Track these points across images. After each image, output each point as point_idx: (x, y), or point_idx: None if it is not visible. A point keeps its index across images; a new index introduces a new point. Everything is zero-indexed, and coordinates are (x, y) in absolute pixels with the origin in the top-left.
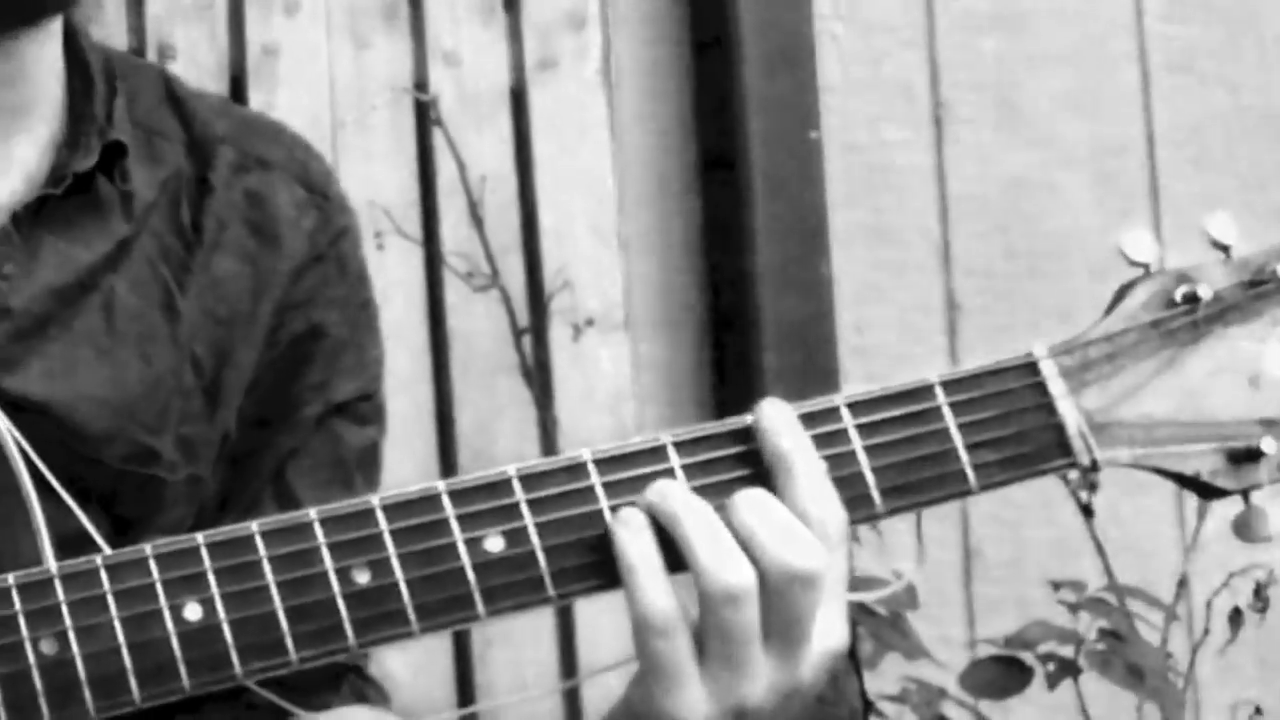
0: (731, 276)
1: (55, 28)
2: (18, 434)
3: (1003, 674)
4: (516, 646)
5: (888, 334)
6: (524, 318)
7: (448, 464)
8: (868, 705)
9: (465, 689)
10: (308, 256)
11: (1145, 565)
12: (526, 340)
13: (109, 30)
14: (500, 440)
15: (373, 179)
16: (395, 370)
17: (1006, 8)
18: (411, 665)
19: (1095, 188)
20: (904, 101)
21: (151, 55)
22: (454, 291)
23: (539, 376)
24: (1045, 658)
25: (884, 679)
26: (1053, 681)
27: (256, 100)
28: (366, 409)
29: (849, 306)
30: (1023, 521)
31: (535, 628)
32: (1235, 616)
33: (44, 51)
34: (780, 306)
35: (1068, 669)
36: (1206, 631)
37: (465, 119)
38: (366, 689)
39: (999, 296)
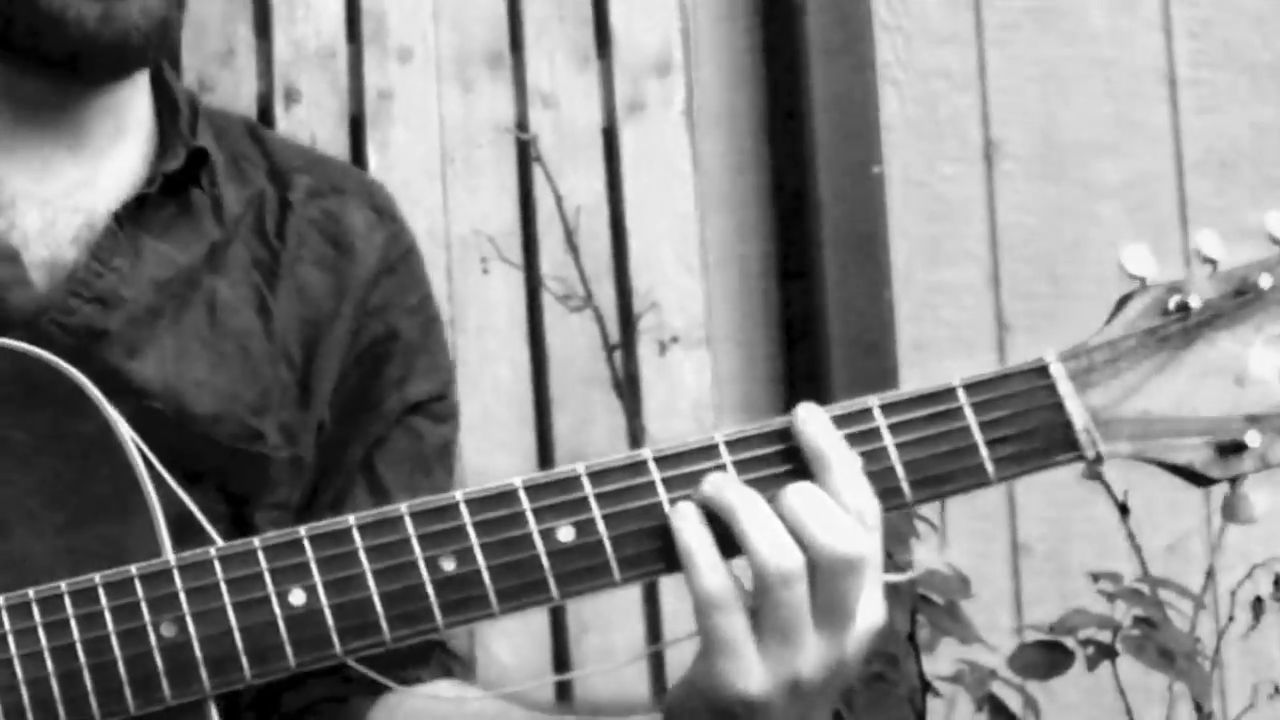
0: (802, 298)
1: (144, 77)
2: (131, 431)
3: (1047, 657)
4: (606, 630)
5: (943, 350)
6: (615, 335)
7: (546, 466)
8: (926, 685)
9: (561, 669)
10: (381, 267)
11: (1175, 559)
12: (617, 355)
13: (240, 76)
14: (593, 445)
15: (478, 210)
16: (499, 382)
17: (1049, 55)
18: (514, 650)
19: (1129, 217)
20: (957, 140)
21: (279, 99)
22: (552, 312)
23: (628, 388)
24: (1085, 642)
25: (940, 661)
26: (1092, 664)
27: (374, 139)
28: (441, 409)
29: (908, 325)
30: (1065, 520)
31: (625, 610)
32: (1257, 605)
33: (136, 88)
34: (846, 325)
35: (1106, 652)
36: (1231, 618)
37: (562, 156)
38: (452, 663)
39: (1043, 316)
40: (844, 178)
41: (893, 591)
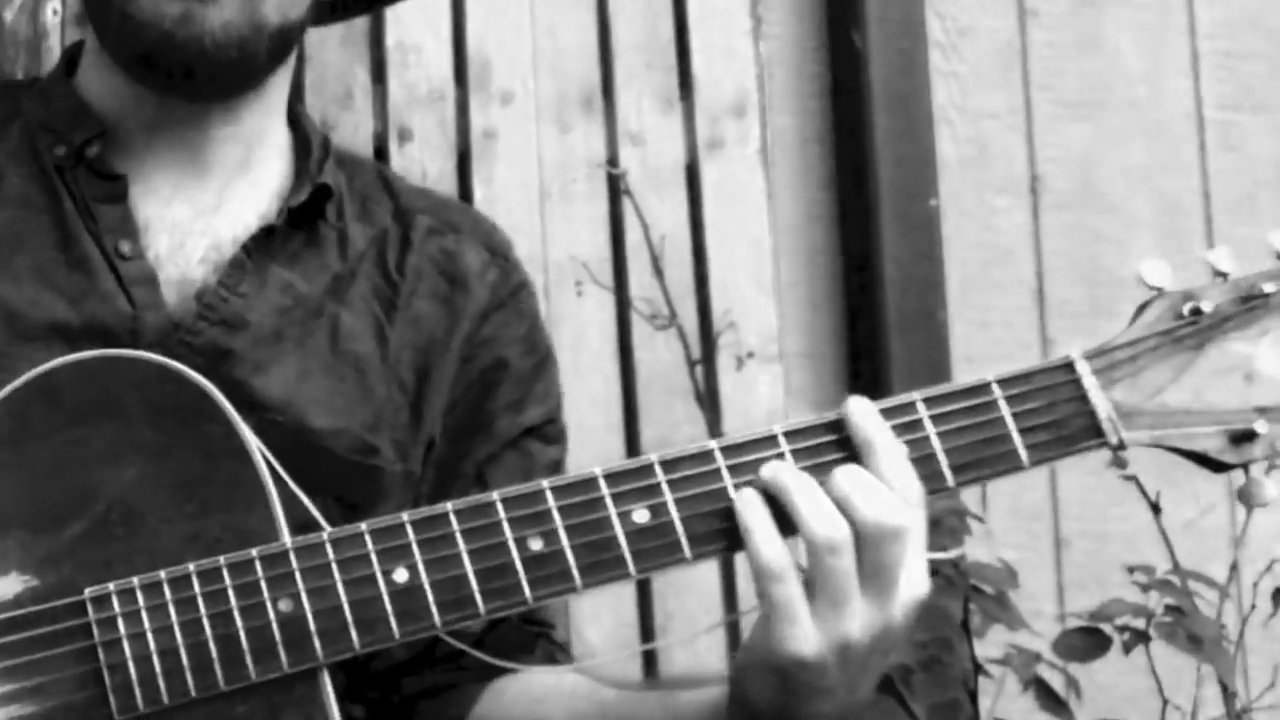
0: (866, 317)
1: (275, 105)
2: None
3: (1087, 642)
4: (690, 618)
5: (992, 364)
6: (696, 351)
7: None
8: (977, 667)
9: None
10: (492, 303)
11: (1203, 554)
12: (698, 370)
13: (358, 117)
14: None
15: (574, 239)
16: (592, 394)
17: (1089, 99)
18: (604, 635)
19: (1161, 244)
20: (1006, 176)
21: (393, 138)
22: (639, 330)
23: (708, 399)
24: (1121, 628)
25: (990, 646)
26: (1128, 648)
27: (479, 174)
28: (551, 431)
29: (961, 343)
30: (1103, 517)
31: (705, 600)
32: (1277, 595)
33: (264, 122)
34: (905, 343)
35: (1140, 638)
36: (1253, 607)
37: (649, 189)
38: (556, 652)
39: (1085, 334)
40: (903, 209)
41: (946, 583)
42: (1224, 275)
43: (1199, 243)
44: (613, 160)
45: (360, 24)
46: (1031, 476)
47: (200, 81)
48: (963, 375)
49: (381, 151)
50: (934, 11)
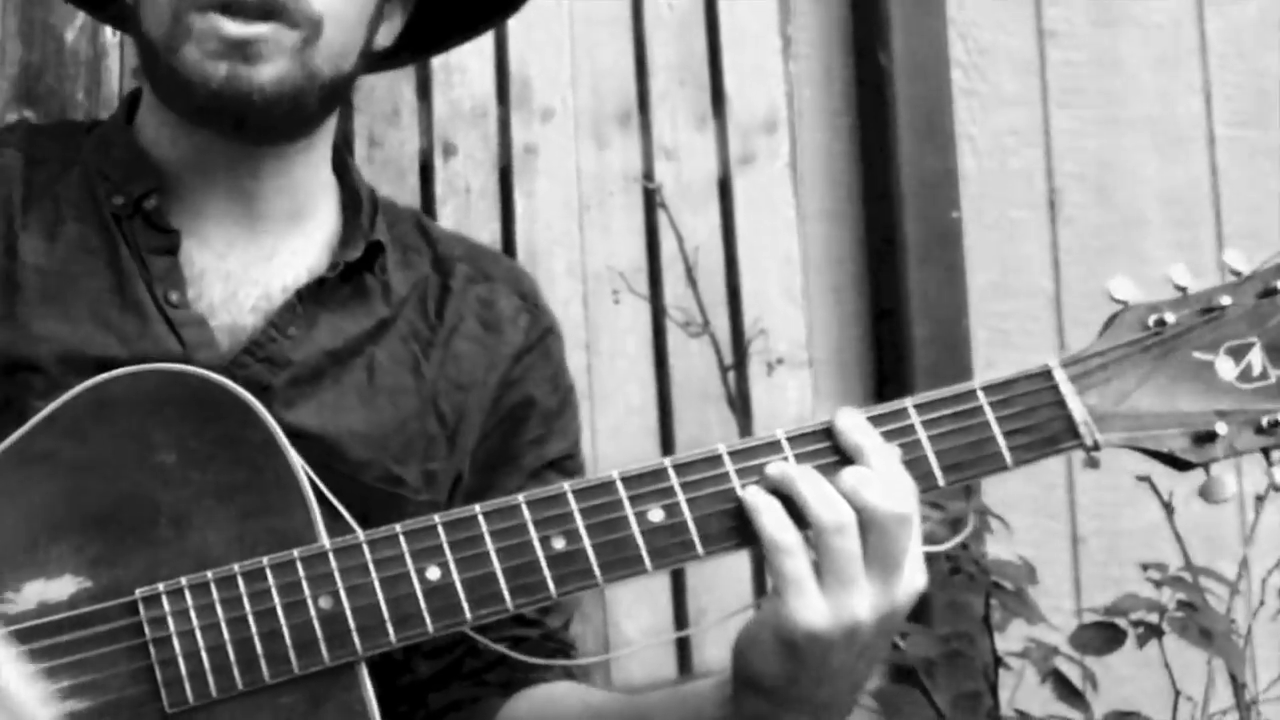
0: (891, 325)
1: (322, 155)
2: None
3: (1103, 636)
4: (723, 609)
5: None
6: (728, 358)
7: None
8: (997, 659)
9: (683, 649)
10: (523, 346)
11: (1214, 551)
12: (730, 375)
13: (404, 134)
14: None
15: (611, 249)
16: (628, 399)
17: (1104, 115)
18: (640, 630)
19: (1174, 253)
20: (1025, 188)
21: (438, 153)
22: (674, 337)
23: (740, 404)
24: (1136, 623)
25: (1010, 639)
26: (1142, 641)
27: (521, 188)
28: (570, 465)
29: (982, 349)
30: (1118, 516)
31: (738, 596)
32: None
33: (313, 173)
34: (928, 349)
35: (1153, 632)
36: (1262, 602)
37: (683, 202)
38: (574, 669)
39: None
40: (927, 221)
41: (969, 579)
42: (1184, 289)
43: (1210, 253)
44: (648, 174)
45: None
46: (1050, 479)
47: (251, 129)
48: (982, 379)
49: (427, 166)
50: (956, 32)
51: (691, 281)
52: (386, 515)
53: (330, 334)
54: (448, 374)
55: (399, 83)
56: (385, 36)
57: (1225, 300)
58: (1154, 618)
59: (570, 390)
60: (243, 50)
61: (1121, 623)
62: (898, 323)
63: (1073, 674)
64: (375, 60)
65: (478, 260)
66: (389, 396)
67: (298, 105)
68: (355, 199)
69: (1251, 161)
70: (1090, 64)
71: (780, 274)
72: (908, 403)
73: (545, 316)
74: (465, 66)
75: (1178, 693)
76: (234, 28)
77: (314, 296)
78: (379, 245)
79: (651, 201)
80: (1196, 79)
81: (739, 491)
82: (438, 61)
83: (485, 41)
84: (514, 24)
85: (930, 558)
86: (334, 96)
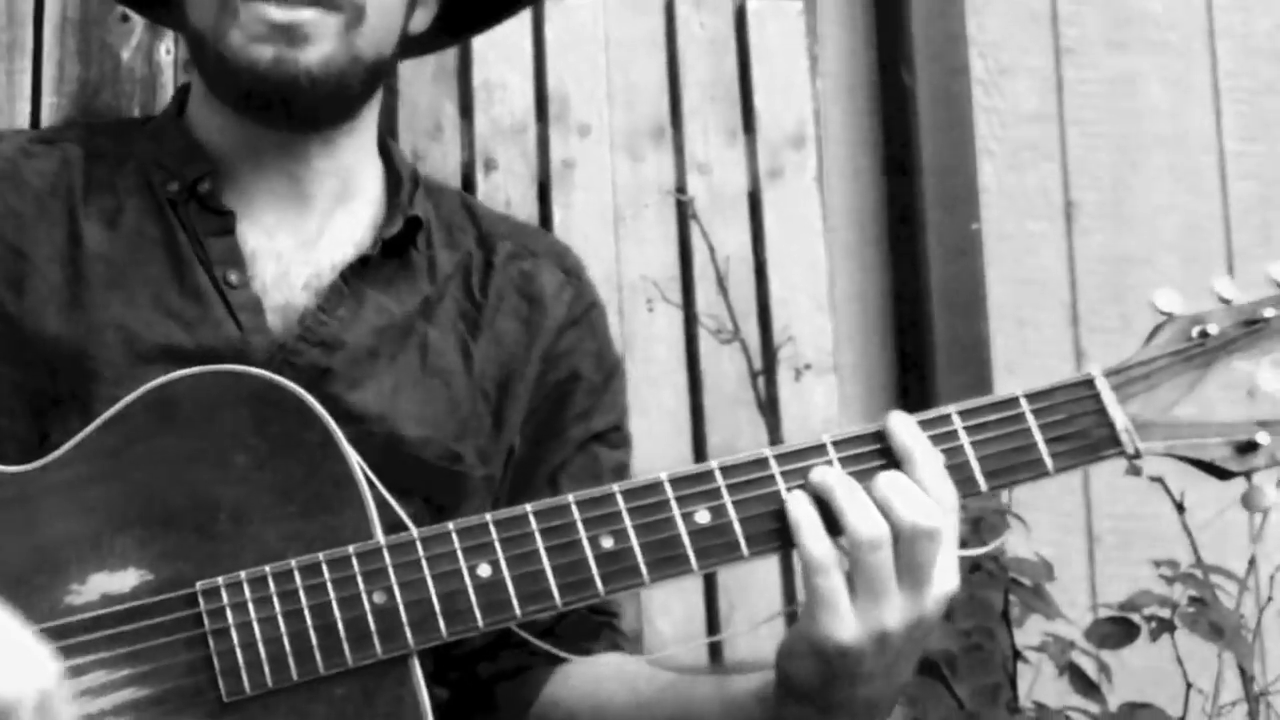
0: (914, 332)
1: (367, 138)
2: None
3: (1117, 630)
4: (752, 611)
5: (1031, 376)
6: (758, 364)
7: None
8: (1016, 653)
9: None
10: (566, 320)
11: (1224, 549)
12: (760, 381)
13: (447, 149)
14: None
15: (645, 259)
16: (662, 403)
17: (1119, 130)
18: (674, 625)
19: (1185, 266)
20: (1043, 201)
21: (479, 168)
22: (706, 344)
23: (769, 408)
24: (1149, 618)
25: (1029, 634)
26: (1155, 635)
27: (559, 201)
28: (617, 437)
29: (1001, 355)
30: (1133, 516)
31: (766, 594)
32: None
33: (358, 155)
34: (950, 354)
35: (1165, 626)
36: (1270, 598)
37: (714, 214)
38: (620, 640)
39: (1115, 347)
40: (948, 233)
41: (988, 576)
42: (1228, 301)
43: (1220, 264)
44: (681, 188)
45: (449, 62)
46: (1067, 479)
47: (298, 112)
48: (1003, 385)
49: (469, 180)
50: (977, 52)
51: (722, 290)
52: (450, 494)
53: (377, 313)
54: (492, 353)
55: (442, 100)
56: (420, 22)
57: (1269, 312)
58: (1166, 613)
59: (616, 364)
60: (288, 34)
61: (1135, 618)
62: (920, 331)
63: (1088, 667)
64: (413, 45)
65: (521, 236)
66: (441, 378)
67: (342, 86)
68: (397, 179)
69: (1260, 175)
70: (1105, 82)
71: (808, 283)
72: (951, 409)
73: (589, 291)
74: (506, 84)
75: (1189, 685)
76: (279, 13)
77: (359, 275)
78: (417, 220)
79: (684, 213)
80: (1207, 96)
81: (784, 495)
82: (479, 80)
83: (525, 60)
84: (552, 44)
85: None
86: (375, 79)
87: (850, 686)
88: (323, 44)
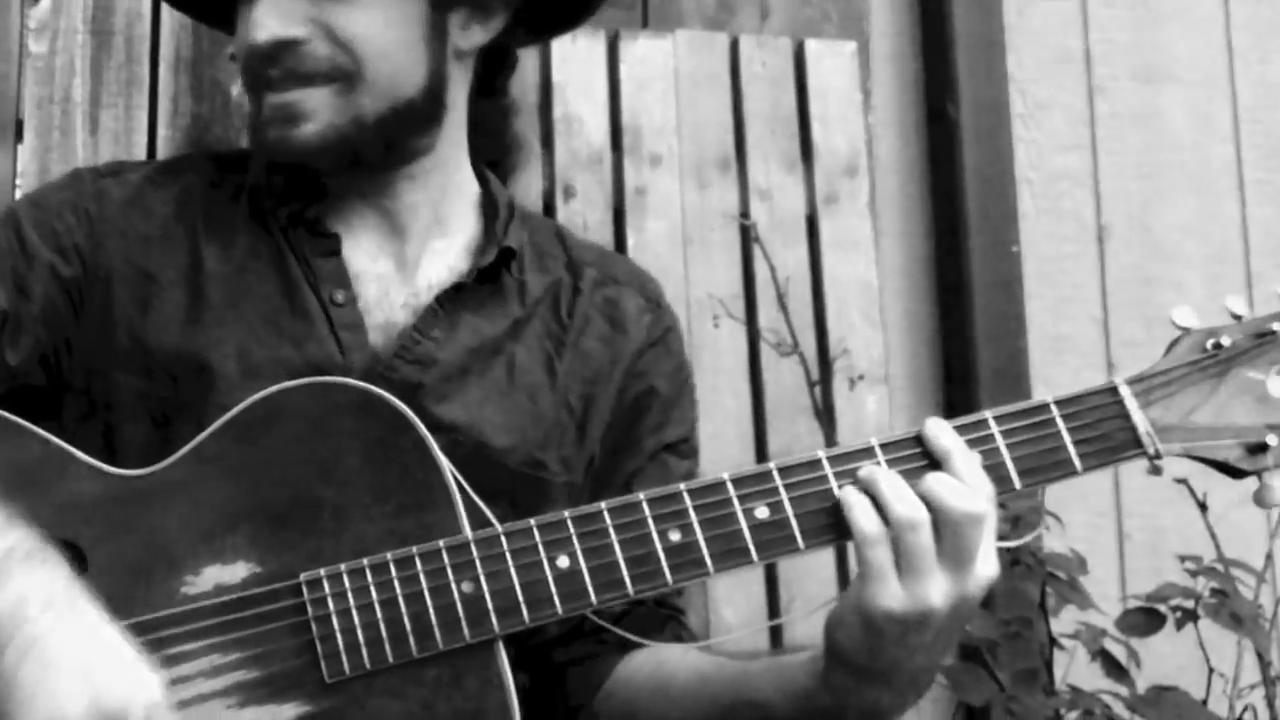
0: (958, 346)
1: (452, 165)
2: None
3: (1145, 619)
4: (809, 600)
5: (1065, 385)
6: (815, 374)
7: None
8: (1052, 641)
9: (774, 630)
10: (646, 342)
11: (1243, 545)
12: (817, 390)
13: (530, 177)
14: None
15: (711, 279)
16: (726, 410)
17: (1147, 160)
18: (737, 613)
19: (1207, 284)
20: (1077, 226)
21: (559, 194)
22: (767, 356)
23: (825, 415)
24: (1174, 608)
25: (1064, 623)
26: (1179, 625)
27: (632, 225)
28: (686, 448)
29: (1039, 368)
30: (1159, 515)
31: (823, 582)
32: None
33: (448, 185)
34: (991, 367)
35: (1189, 616)
36: None
37: (775, 237)
38: (684, 634)
39: (1143, 359)
40: (990, 255)
41: (1027, 570)
42: (1239, 317)
43: (1239, 284)
44: (744, 213)
45: (531, 98)
46: (1099, 483)
47: (328, 170)
48: (1040, 393)
49: (549, 206)
50: (1016, 89)
51: (782, 307)
52: (532, 497)
53: (470, 334)
54: (577, 370)
55: (525, 132)
56: (474, 37)
57: (1276, 326)
58: (1190, 604)
59: (688, 381)
60: (284, 114)
61: (1161, 608)
62: (964, 344)
63: (1119, 653)
64: (489, 87)
65: (606, 265)
66: (528, 391)
67: (352, 148)
68: (494, 207)
69: (1276, 201)
70: (1134, 116)
71: (861, 300)
72: (988, 414)
73: (667, 315)
74: (583, 118)
75: (1211, 669)
76: (272, 98)
77: (454, 299)
78: (510, 251)
79: (747, 237)
80: (1228, 128)
81: (836, 494)
82: (559, 114)
83: (601, 96)
84: (626, 81)
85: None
86: (406, 123)
87: (893, 657)
88: (318, 117)
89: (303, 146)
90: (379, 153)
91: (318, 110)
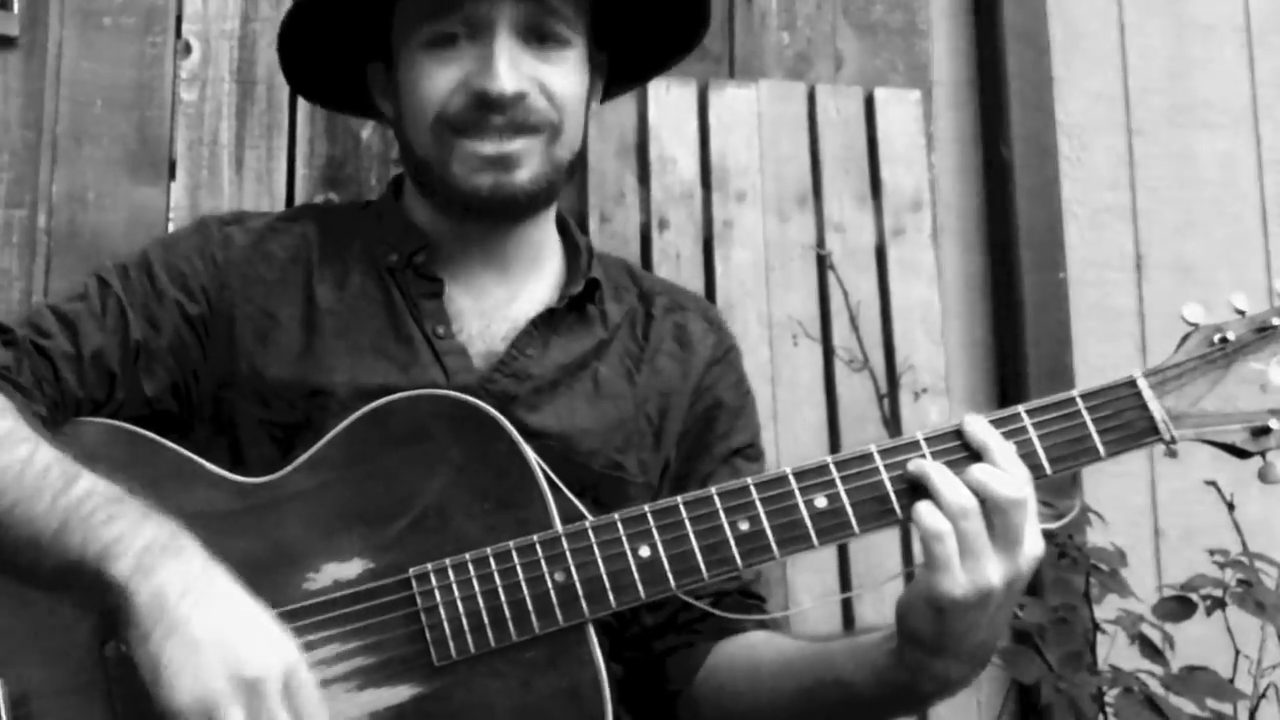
0: (1011, 362)
1: (550, 217)
2: (534, 454)
3: (1178, 607)
4: (878, 574)
5: None
6: (884, 387)
7: None
8: (1095, 626)
9: (847, 608)
10: (711, 360)
11: (1267, 539)
12: (885, 402)
13: (628, 212)
14: None
15: (791, 303)
16: (803, 419)
17: (1181, 196)
18: (812, 595)
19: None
20: (1118, 255)
21: (654, 227)
22: (840, 371)
23: (893, 423)
24: (1205, 597)
25: (1105, 610)
26: (1209, 611)
27: (720, 255)
28: (752, 452)
29: (1083, 382)
30: (1191, 513)
31: (885, 556)
32: None
33: (545, 230)
34: (1040, 382)
35: (1218, 604)
36: None
37: (848, 265)
38: (768, 621)
39: None
40: (1040, 281)
41: (1072, 563)
42: (1242, 312)
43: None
44: (820, 243)
45: (629, 139)
46: (1136, 484)
47: (511, 217)
48: None
49: (646, 238)
50: (1063, 132)
51: (854, 328)
52: (614, 496)
53: (561, 352)
54: (653, 384)
55: (623, 172)
56: (599, 94)
57: (1276, 321)
58: (1219, 593)
59: (749, 393)
60: (502, 163)
61: (1193, 597)
62: (1016, 360)
63: (1155, 637)
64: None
65: (673, 294)
66: (611, 401)
67: (551, 191)
68: (575, 248)
69: None
70: (1169, 156)
71: (924, 322)
72: (1020, 408)
73: (728, 336)
74: (676, 158)
75: (1237, 652)
76: (490, 147)
77: (546, 324)
78: (596, 281)
79: (823, 265)
80: (1253, 167)
81: (887, 485)
82: (654, 154)
83: (691, 138)
84: (714, 125)
85: (1045, 543)
86: (573, 171)
87: (958, 636)
88: (531, 164)
89: (518, 190)
90: (554, 199)
91: (532, 157)
